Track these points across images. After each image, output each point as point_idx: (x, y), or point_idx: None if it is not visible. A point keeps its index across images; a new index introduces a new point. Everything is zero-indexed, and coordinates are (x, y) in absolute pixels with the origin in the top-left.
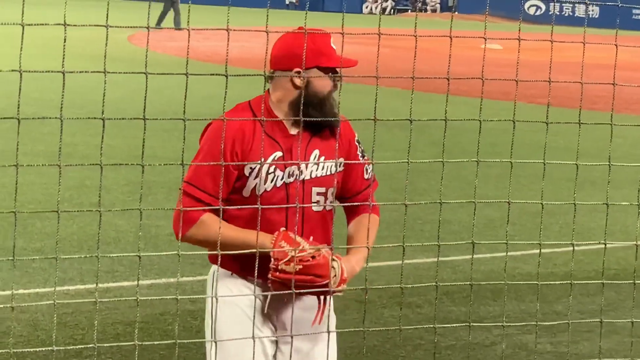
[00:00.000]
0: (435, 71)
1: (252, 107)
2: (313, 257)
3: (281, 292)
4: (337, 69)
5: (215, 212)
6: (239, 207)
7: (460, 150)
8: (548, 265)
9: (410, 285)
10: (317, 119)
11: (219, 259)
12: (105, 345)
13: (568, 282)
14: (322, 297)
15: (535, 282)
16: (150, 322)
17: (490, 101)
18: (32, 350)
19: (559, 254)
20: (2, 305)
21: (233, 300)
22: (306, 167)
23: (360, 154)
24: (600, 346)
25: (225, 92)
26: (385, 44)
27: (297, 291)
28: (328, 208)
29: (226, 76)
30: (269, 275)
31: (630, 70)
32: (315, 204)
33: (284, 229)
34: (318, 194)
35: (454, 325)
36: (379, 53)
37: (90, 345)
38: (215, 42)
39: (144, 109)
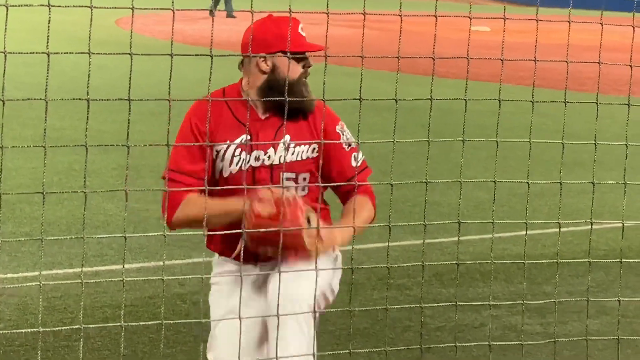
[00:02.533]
0: (424, 53)
1: (225, 92)
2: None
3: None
4: (307, 56)
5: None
6: (203, 187)
7: (451, 132)
8: (537, 246)
9: (396, 266)
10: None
11: (220, 245)
12: (91, 326)
13: (554, 261)
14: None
15: (522, 262)
16: (140, 306)
17: (480, 83)
18: (21, 331)
19: (549, 235)
20: None
21: (219, 281)
22: (275, 152)
23: (345, 143)
24: (587, 325)
25: (210, 73)
26: (374, 26)
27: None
28: (300, 193)
29: (211, 56)
30: (245, 225)
31: (620, 51)
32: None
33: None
34: (287, 179)
35: (440, 305)
36: (364, 33)
37: (77, 327)
38: (204, 25)
39: (129, 90)
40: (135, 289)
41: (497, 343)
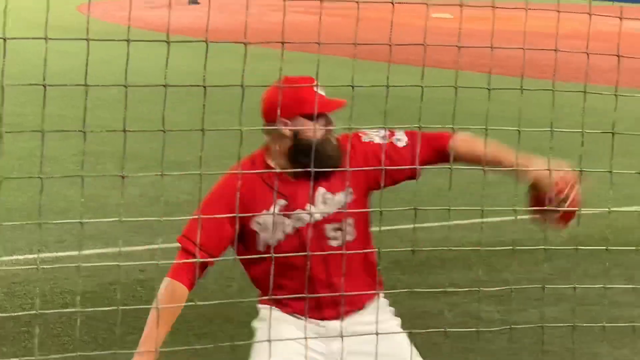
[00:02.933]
0: (385, 40)
1: (254, 162)
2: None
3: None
4: (327, 113)
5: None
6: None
7: (411, 119)
8: (497, 234)
9: (353, 252)
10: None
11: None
12: (48, 312)
13: (511, 248)
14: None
15: (479, 248)
16: (99, 292)
17: (442, 70)
18: None
19: (508, 222)
20: None
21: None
22: (313, 207)
23: (381, 141)
24: (544, 312)
25: (167, 60)
26: (334, 12)
27: None
28: (349, 238)
29: (168, 42)
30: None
31: (579, 39)
32: (333, 240)
33: None
34: (334, 229)
35: (399, 291)
36: (321, 19)
37: (33, 312)
38: (167, 11)
39: (86, 76)
40: (95, 275)
41: (454, 330)
